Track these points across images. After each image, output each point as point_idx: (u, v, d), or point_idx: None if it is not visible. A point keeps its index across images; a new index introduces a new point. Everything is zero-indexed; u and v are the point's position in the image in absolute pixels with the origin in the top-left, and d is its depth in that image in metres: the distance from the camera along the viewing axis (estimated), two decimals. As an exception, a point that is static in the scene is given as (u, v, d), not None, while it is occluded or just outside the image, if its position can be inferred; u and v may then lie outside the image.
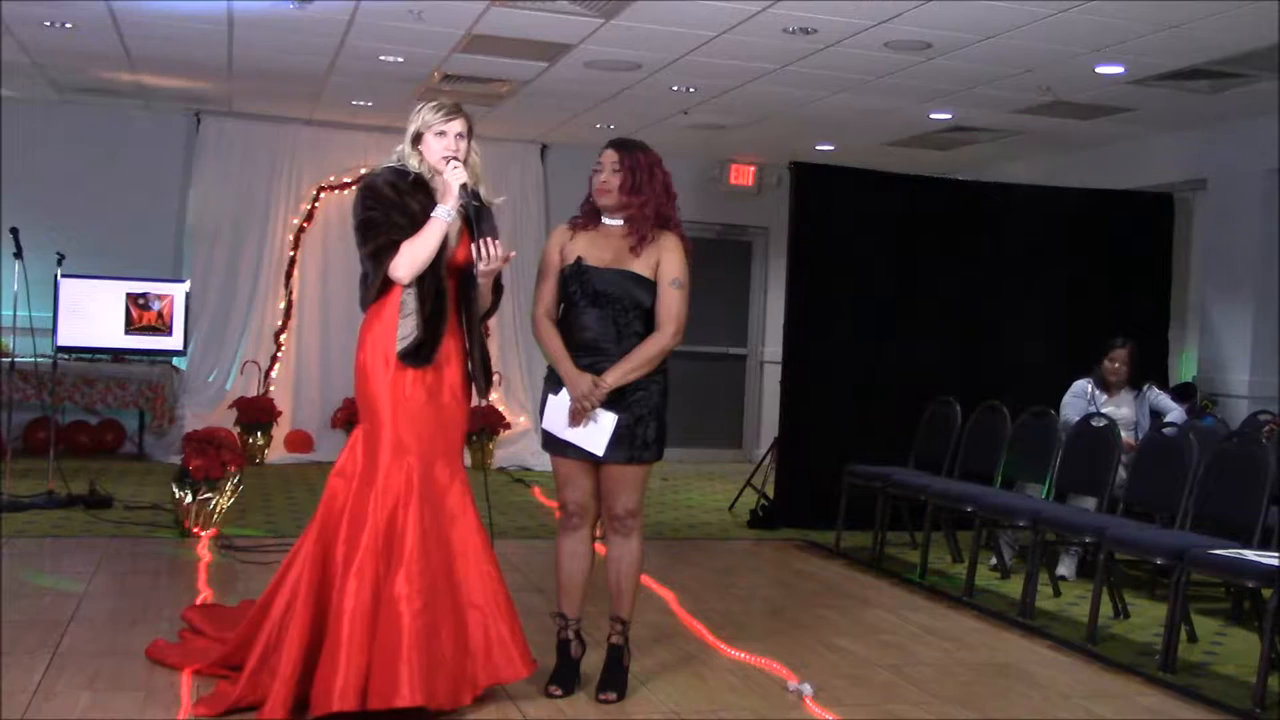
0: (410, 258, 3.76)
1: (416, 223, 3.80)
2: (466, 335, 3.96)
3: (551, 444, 4.07)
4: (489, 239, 3.82)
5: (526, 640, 3.92)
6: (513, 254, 3.91)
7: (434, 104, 3.93)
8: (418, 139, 3.90)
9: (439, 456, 3.85)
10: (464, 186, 3.83)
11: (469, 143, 3.93)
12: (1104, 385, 6.73)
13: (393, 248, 3.76)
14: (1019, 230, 8.24)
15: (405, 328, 3.80)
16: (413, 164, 3.90)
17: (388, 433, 3.79)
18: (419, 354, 3.80)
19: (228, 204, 10.04)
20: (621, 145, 4.08)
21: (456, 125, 3.89)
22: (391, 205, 3.81)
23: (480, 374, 3.97)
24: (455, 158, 3.86)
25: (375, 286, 3.81)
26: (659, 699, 4.10)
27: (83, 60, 8.24)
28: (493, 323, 10.43)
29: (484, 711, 3.84)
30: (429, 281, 3.81)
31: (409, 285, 3.79)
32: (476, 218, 3.89)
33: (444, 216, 3.81)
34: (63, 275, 8.75)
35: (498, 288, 4.05)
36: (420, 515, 3.75)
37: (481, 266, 3.84)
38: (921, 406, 7.31)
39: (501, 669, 3.83)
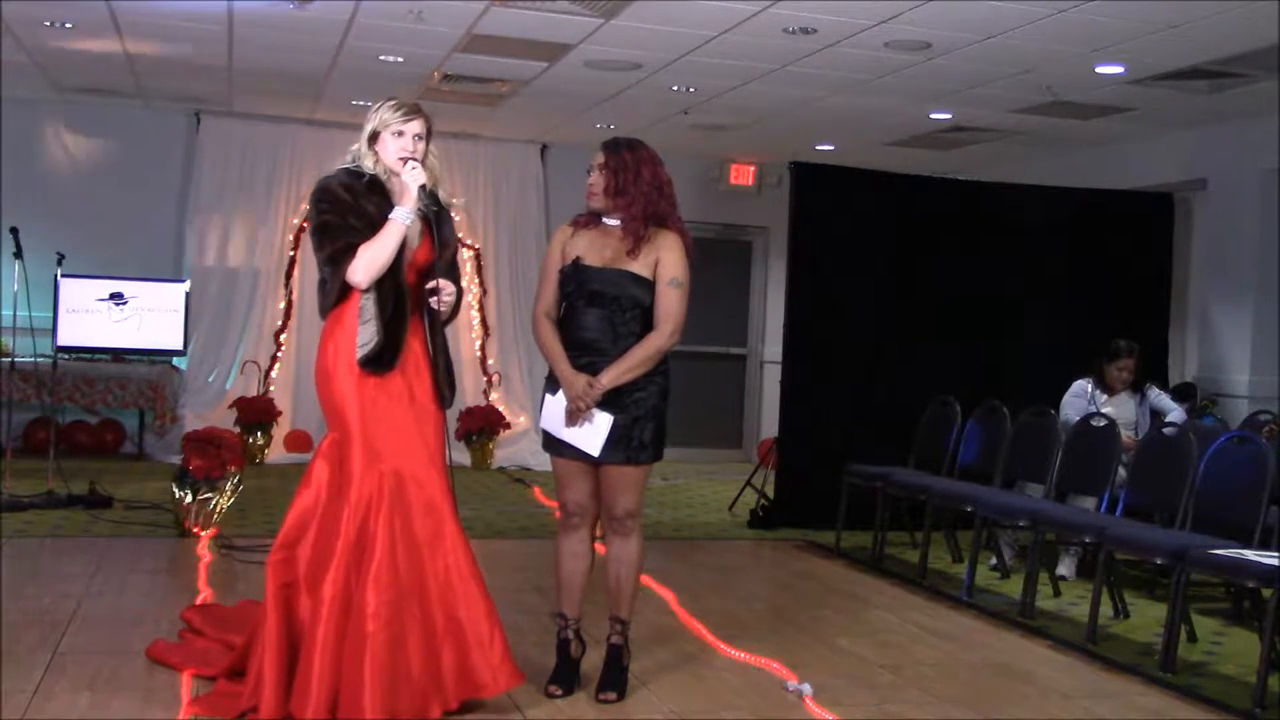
0: (368, 261, 3.68)
1: (373, 225, 3.71)
2: (429, 338, 3.89)
3: (550, 444, 4.07)
4: (440, 294, 3.78)
5: (510, 653, 3.80)
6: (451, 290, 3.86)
7: (392, 103, 3.83)
8: (374, 139, 3.80)
9: (415, 461, 3.75)
10: (423, 188, 3.77)
11: (427, 144, 3.85)
12: (1105, 387, 6.73)
13: (350, 251, 3.67)
14: (1019, 230, 8.23)
15: (365, 334, 3.72)
16: (368, 164, 3.80)
17: (358, 439, 3.70)
18: (380, 360, 3.72)
19: (228, 204, 10.04)
20: (610, 145, 4.06)
21: (415, 126, 3.80)
22: (347, 208, 3.72)
23: (444, 382, 3.88)
24: (413, 158, 3.78)
25: (334, 292, 3.73)
26: (659, 699, 4.10)
27: (83, 60, 8.24)
28: (493, 322, 10.63)
29: (483, 711, 3.83)
30: (388, 286, 3.73)
31: (367, 290, 3.72)
32: (436, 221, 3.84)
33: (402, 219, 3.73)
34: (63, 275, 8.75)
35: (456, 290, 3.95)
36: (390, 523, 3.66)
37: (441, 306, 3.81)
38: (921, 406, 7.31)
39: (481, 682, 3.73)
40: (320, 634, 3.57)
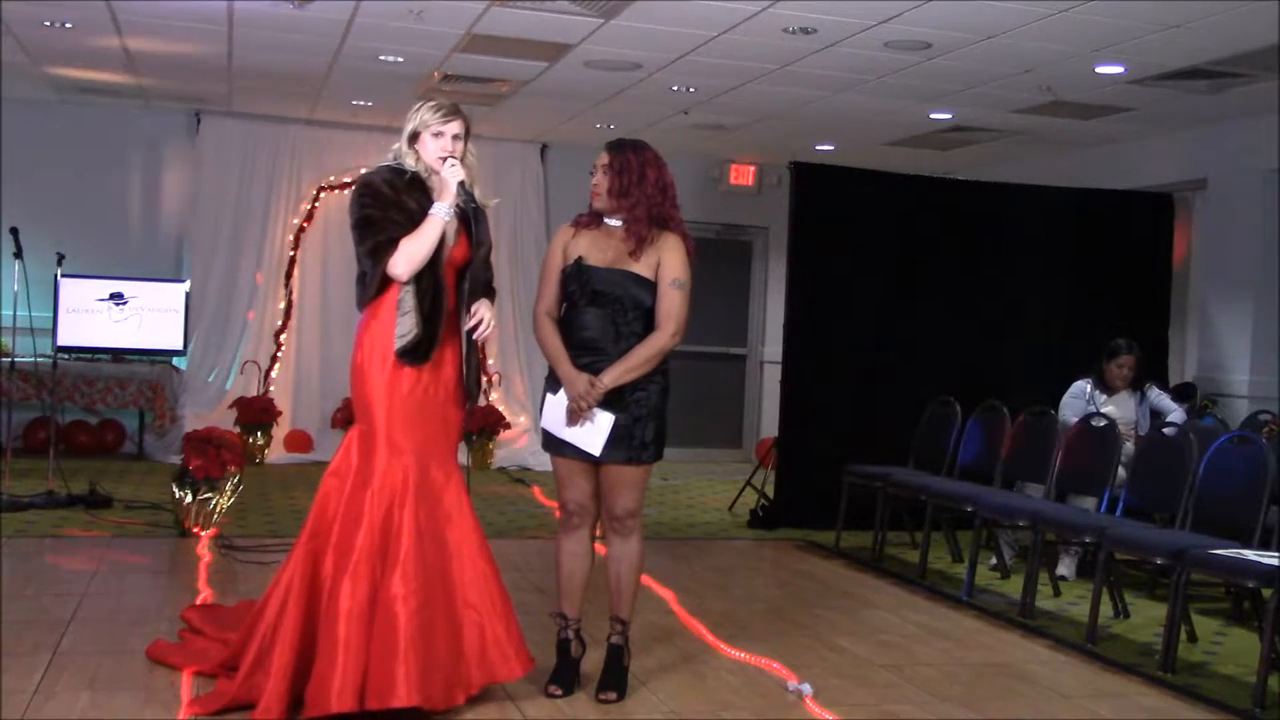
0: (409, 254, 3.77)
1: (414, 221, 3.81)
2: (464, 336, 3.96)
3: (551, 444, 4.07)
4: (481, 314, 3.89)
5: (524, 640, 3.92)
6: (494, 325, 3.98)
7: (433, 104, 3.93)
8: (414, 138, 3.91)
9: (435, 456, 3.86)
10: (461, 184, 3.86)
11: (466, 144, 3.95)
12: (1105, 386, 6.73)
13: (391, 245, 3.77)
14: (1019, 230, 8.24)
15: (404, 325, 3.80)
16: (409, 163, 3.90)
17: (383, 433, 3.79)
18: (417, 352, 3.80)
19: (228, 204, 10.03)
20: (615, 147, 4.08)
21: (454, 126, 3.90)
22: (389, 203, 3.81)
23: (472, 380, 3.98)
24: (453, 156, 3.88)
25: (374, 284, 3.81)
26: (659, 699, 4.10)
27: (83, 60, 8.24)
28: (494, 322, 10.59)
29: (484, 711, 3.84)
30: (426, 280, 3.82)
31: (407, 283, 3.80)
32: (475, 218, 3.92)
33: (441, 214, 3.83)
34: (63, 275, 8.75)
35: (489, 290, 4.06)
36: (416, 515, 3.76)
37: (479, 333, 3.92)
38: (921, 406, 7.31)
39: (497, 668, 3.83)
40: (343, 626, 3.60)
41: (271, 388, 10.00)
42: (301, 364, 10.15)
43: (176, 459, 7.24)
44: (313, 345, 10.17)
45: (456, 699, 3.74)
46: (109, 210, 9.87)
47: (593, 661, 4.17)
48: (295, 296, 10.18)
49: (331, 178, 10.24)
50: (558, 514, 4.22)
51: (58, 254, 8.33)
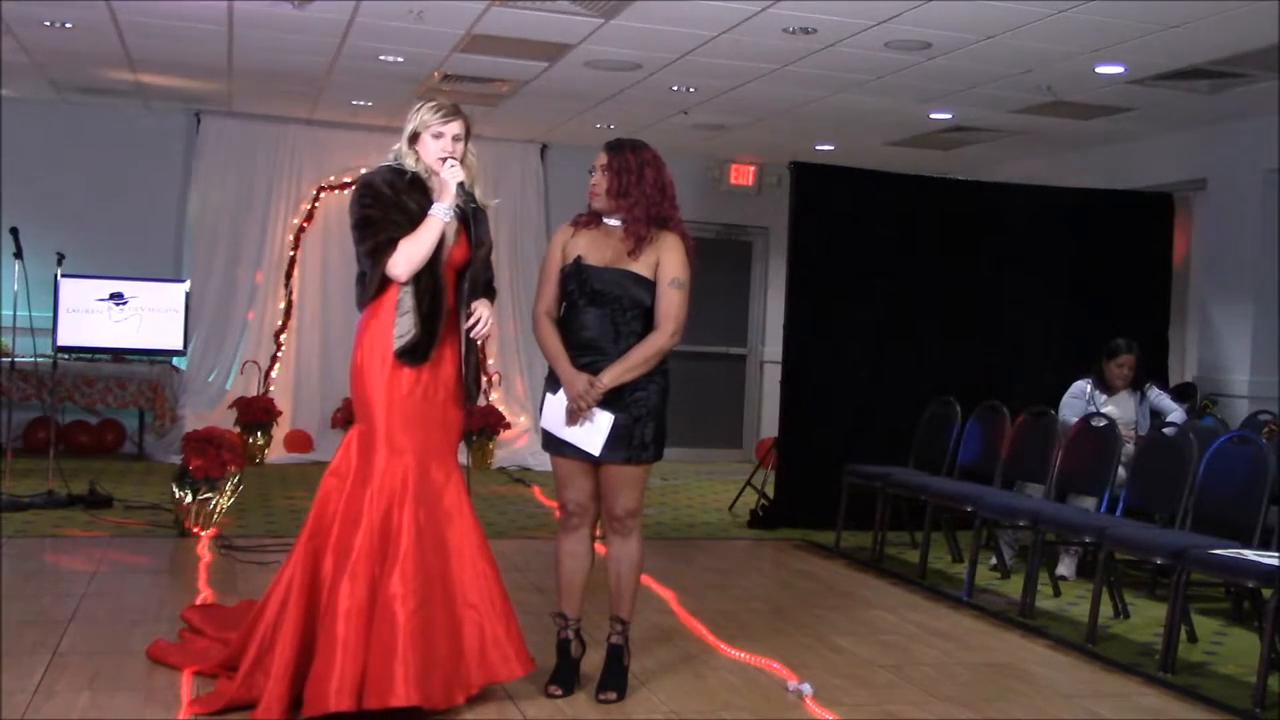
0: (408, 255, 3.78)
1: (414, 221, 3.82)
2: (463, 336, 3.97)
3: (551, 444, 4.08)
4: (480, 314, 3.90)
5: (524, 640, 3.92)
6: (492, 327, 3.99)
7: (433, 104, 3.94)
8: (415, 139, 3.91)
9: (434, 456, 3.86)
10: (461, 185, 3.87)
11: (466, 145, 3.95)
12: (1105, 386, 6.73)
13: (391, 245, 3.78)
14: (1019, 230, 8.24)
15: (402, 326, 3.81)
16: (409, 163, 3.91)
17: (382, 433, 3.80)
18: (416, 352, 3.81)
19: (228, 204, 10.04)
20: (613, 146, 4.08)
21: (454, 127, 3.90)
22: (390, 203, 3.82)
23: (472, 379, 3.99)
24: (453, 157, 3.88)
25: (373, 285, 3.82)
26: (659, 699, 4.10)
27: (83, 60, 8.24)
28: (492, 322, 10.59)
29: (484, 711, 3.84)
30: (426, 280, 3.82)
31: (406, 283, 3.81)
32: (474, 219, 3.93)
33: (441, 215, 3.83)
34: (63, 275, 8.75)
35: (489, 290, 4.07)
36: (415, 515, 3.76)
37: (476, 331, 3.92)
38: (921, 406, 7.31)
39: (497, 668, 3.83)
40: (341, 625, 3.60)
41: (271, 388, 10.00)
42: (301, 364, 10.15)
43: (176, 459, 7.24)
44: (313, 345, 10.17)
45: (456, 699, 3.74)
46: (109, 210, 9.87)
47: (593, 661, 4.17)
48: (295, 296, 10.18)
49: (331, 178, 10.25)
50: (558, 514, 4.22)
51: (58, 254, 8.32)
